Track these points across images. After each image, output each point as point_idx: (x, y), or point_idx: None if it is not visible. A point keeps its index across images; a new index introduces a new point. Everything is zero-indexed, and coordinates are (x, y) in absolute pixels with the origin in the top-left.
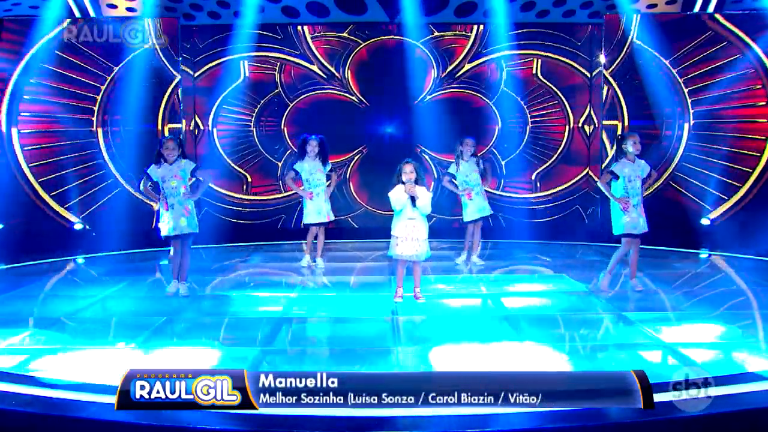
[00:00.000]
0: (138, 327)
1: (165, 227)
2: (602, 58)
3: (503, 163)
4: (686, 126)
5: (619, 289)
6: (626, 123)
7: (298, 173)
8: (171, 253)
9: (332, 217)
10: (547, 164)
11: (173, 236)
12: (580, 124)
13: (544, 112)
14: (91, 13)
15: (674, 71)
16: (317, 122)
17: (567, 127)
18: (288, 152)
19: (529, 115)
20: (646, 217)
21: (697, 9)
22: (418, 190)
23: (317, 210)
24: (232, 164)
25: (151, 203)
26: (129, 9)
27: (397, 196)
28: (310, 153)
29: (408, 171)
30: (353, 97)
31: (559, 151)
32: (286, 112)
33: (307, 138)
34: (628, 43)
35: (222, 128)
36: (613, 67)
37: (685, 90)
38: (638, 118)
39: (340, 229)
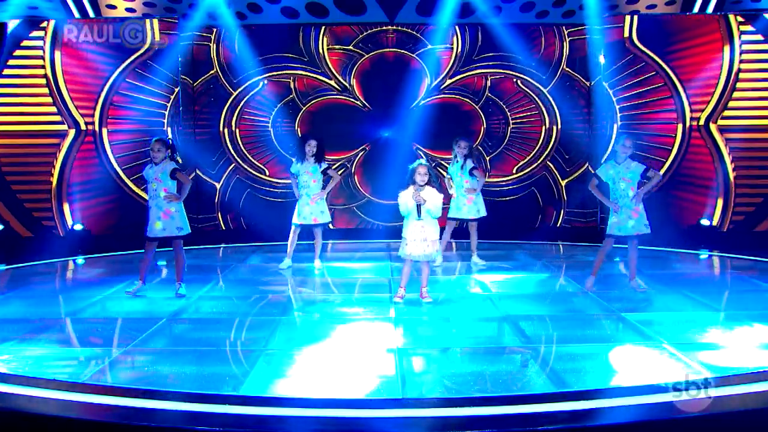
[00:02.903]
0: (136, 329)
1: (147, 228)
2: (602, 59)
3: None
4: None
5: (619, 290)
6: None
7: (293, 174)
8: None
9: (320, 220)
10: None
11: (150, 238)
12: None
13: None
14: (91, 14)
15: None
16: (326, 124)
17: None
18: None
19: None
20: (644, 219)
21: (696, 10)
22: (428, 193)
23: (299, 212)
24: (252, 159)
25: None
26: (128, 9)
27: (404, 200)
28: (308, 153)
29: (422, 173)
30: (357, 102)
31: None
32: (300, 114)
33: (306, 138)
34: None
35: (243, 128)
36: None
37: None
38: None
39: (342, 229)
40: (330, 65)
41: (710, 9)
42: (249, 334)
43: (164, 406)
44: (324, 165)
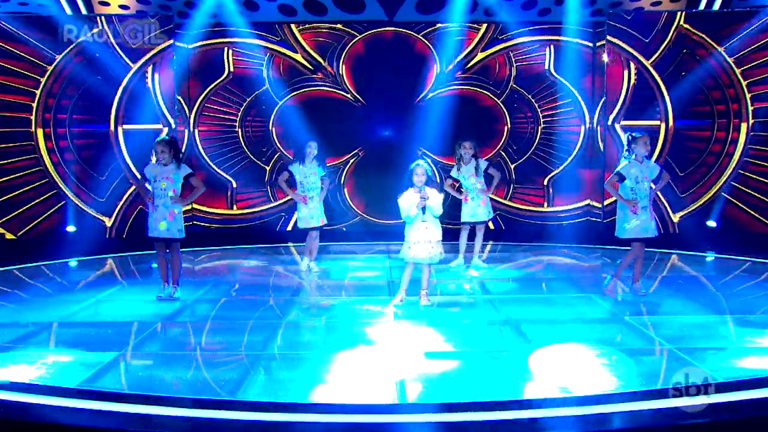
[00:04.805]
0: (130, 332)
1: (149, 227)
2: (605, 57)
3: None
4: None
5: (624, 293)
6: (671, 123)
7: (293, 175)
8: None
9: (326, 221)
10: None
11: (154, 238)
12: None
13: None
14: (83, 11)
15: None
16: (309, 122)
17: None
18: (277, 155)
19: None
20: (656, 221)
21: (702, 6)
22: (429, 192)
23: (310, 214)
24: (216, 168)
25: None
26: (122, 6)
27: (408, 204)
28: (309, 155)
29: (419, 173)
30: (348, 95)
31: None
32: (275, 111)
33: (307, 141)
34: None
35: (203, 129)
36: (654, 57)
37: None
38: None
39: (339, 232)
40: (298, 37)
41: (716, 6)
42: (246, 338)
43: (159, 411)
44: (325, 168)
